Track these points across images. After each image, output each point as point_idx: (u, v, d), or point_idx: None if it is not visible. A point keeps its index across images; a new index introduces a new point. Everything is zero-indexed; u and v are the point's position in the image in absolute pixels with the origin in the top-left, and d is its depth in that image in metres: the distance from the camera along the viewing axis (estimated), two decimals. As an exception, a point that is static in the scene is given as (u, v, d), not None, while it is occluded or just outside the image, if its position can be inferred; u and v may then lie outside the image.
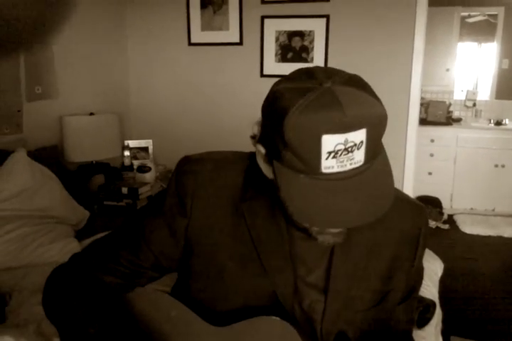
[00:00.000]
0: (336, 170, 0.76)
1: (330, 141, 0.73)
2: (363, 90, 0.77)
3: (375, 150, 0.79)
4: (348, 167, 0.76)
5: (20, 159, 2.51)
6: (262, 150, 0.85)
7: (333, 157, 0.74)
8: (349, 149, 0.74)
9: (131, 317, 1.03)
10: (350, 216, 0.78)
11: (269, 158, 0.84)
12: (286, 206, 0.81)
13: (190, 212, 0.96)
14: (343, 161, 0.75)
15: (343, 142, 0.74)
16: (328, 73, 0.80)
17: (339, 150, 0.74)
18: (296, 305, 0.98)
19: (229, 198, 0.96)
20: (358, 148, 0.75)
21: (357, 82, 0.79)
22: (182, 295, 1.02)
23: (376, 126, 0.76)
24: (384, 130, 0.79)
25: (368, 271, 0.99)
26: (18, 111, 2.93)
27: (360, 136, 0.74)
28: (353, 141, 0.74)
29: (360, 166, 0.77)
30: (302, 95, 0.75)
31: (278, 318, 0.92)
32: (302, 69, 0.84)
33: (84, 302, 0.96)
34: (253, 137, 0.91)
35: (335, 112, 0.73)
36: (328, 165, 0.75)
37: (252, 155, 0.98)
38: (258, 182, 0.93)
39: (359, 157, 0.76)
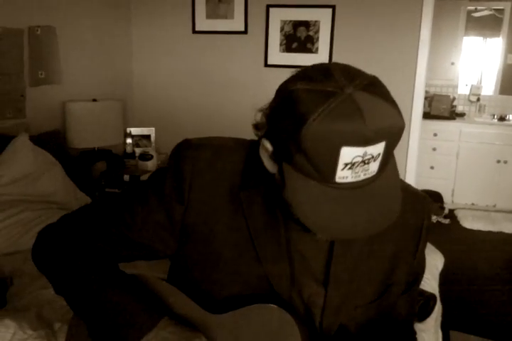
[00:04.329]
0: (349, 180, 0.76)
1: (349, 154, 0.72)
2: (383, 98, 0.75)
3: (388, 159, 0.78)
4: (362, 177, 0.76)
5: (22, 144, 2.50)
6: (269, 147, 0.83)
7: (349, 168, 0.74)
8: (366, 161, 0.74)
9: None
10: (356, 227, 0.77)
11: (277, 157, 0.83)
12: (292, 210, 0.80)
13: (187, 199, 0.95)
14: (358, 172, 0.75)
15: (361, 155, 0.73)
16: (347, 75, 0.77)
17: (356, 162, 0.73)
18: (296, 295, 0.97)
19: (227, 186, 0.95)
20: (374, 160, 0.75)
21: (378, 88, 0.77)
22: (178, 282, 1.02)
23: (395, 138, 0.76)
24: (399, 140, 0.78)
25: (369, 264, 0.98)
26: (22, 95, 2.92)
27: (379, 148, 0.74)
28: (371, 154, 0.74)
29: (372, 176, 0.77)
30: (323, 101, 0.73)
31: (275, 306, 0.91)
32: (318, 66, 0.82)
33: (83, 257, 0.96)
34: (255, 126, 0.89)
35: (356, 124, 0.71)
36: (343, 176, 0.75)
37: (253, 143, 0.97)
38: (258, 172, 0.92)
39: (374, 168, 0.76)
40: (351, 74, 0.77)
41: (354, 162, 0.73)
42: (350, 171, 0.74)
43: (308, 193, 0.77)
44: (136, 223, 0.96)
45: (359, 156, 0.73)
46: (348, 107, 0.72)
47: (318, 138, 0.72)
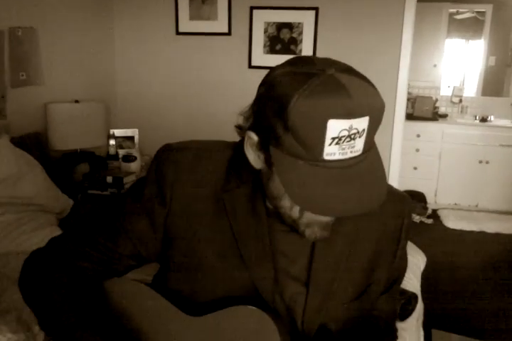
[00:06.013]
0: (336, 157, 0.76)
1: (335, 126, 0.73)
2: (364, 80, 0.78)
3: (371, 140, 0.79)
4: (349, 155, 0.76)
5: (3, 146, 2.48)
6: (255, 137, 0.84)
7: (336, 143, 0.74)
8: (352, 136, 0.75)
9: (109, 307, 1.02)
10: (348, 204, 0.78)
11: (263, 145, 0.83)
12: (283, 192, 0.81)
13: (169, 202, 0.95)
14: (344, 148, 0.75)
15: (347, 128, 0.74)
16: (327, 61, 0.80)
17: (343, 137, 0.74)
18: (278, 297, 0.97)
19: (210, 189, 0.95)
20: (359, 136, 0.75)
21: (356, 72, 0.79)
22: (163, 286, 1.01)
23: (377, 115, 0.77)
24: (381, 121, 0.79)
25: (350, 264, 0.98)
26: (2, 97, 2.89)
27: (363, 123, 0.75)
28: (356, 128, 0.74)
29: (359, 156, 0.78)
30: (306, 80, 0.75)
31: (254, 307, 0.91)
32: (299, 56, 0.84)
33: (62, 290, 0.95)
34: (238, 127, 0.90)
35: (342, 97, 0.73)
36: (330, 152, 0.75)
37: (235, 146, 0.97)
38: (241, 173, 0.93)
39: (359, 145, 0.76)
40: (330, 61, 0.81)
41: (341, 136, 0.74)
42: (337, 147, 0.75)
43: (298, 174, 0.78)
44: (120, 232, 0.97)
45: (345, 130, 0.74)
46: (331, 84, 0.74)
47: (305, 113, 0.73)
